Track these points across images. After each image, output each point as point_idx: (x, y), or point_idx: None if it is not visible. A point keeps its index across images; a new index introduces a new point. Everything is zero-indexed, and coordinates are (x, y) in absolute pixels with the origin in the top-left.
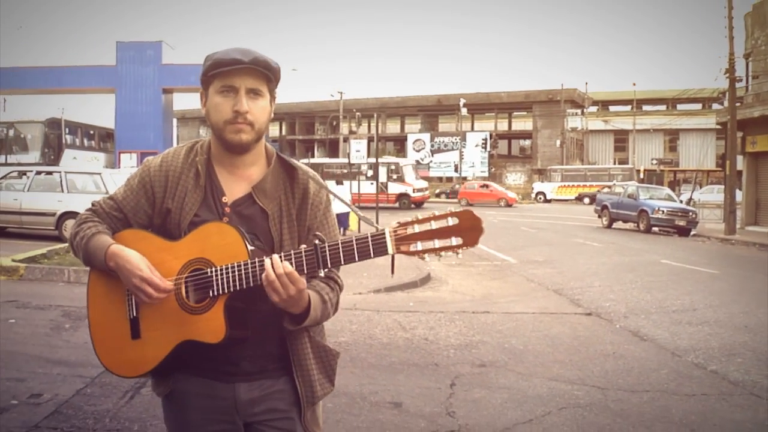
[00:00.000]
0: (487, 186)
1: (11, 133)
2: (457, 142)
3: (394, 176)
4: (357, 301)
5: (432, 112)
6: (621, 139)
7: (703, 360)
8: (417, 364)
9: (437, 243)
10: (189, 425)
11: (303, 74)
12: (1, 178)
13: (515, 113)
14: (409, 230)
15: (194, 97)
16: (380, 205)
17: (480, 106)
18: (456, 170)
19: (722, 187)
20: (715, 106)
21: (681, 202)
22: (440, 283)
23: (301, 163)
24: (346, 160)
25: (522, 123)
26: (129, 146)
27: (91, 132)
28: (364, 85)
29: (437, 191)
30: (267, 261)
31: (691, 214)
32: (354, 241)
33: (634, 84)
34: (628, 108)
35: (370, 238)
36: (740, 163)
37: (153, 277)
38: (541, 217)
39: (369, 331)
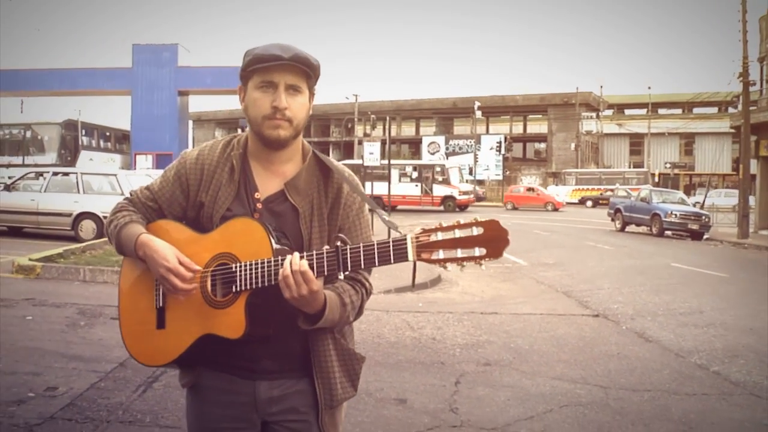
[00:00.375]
0: (533, 189)
1: (28, 134)
2: (471, 145)
3: (440, 178)
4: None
5: (447, 114)
6: (636, 143)
7: (706, 361)
8: (423, 363)
9: (460, 252)
10: (208, 419)
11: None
12: (19, 178)
13: (530, 116)
14: (432, 238)
15: (210, 99)
16: (425, 207)
17: (495, 109)
18: (470, 173)
19: (731, 191)
20: (731, 109)
21: (695, 204)
22: (450, 284)
23: (339, 164)
24: (359, 162)
25: (537, 126)
26: (145, 148)
27: (107, 134)
28: (380, 85)
29: None
30: (288, 258)
31: (704, 218)
32: (375, 246)
33: (650, 87)
34: (643, 111)
35: (391, 244)
36: (754, 166)
37: (179, 267)
38: (554, 220)
39: (377, 330)
